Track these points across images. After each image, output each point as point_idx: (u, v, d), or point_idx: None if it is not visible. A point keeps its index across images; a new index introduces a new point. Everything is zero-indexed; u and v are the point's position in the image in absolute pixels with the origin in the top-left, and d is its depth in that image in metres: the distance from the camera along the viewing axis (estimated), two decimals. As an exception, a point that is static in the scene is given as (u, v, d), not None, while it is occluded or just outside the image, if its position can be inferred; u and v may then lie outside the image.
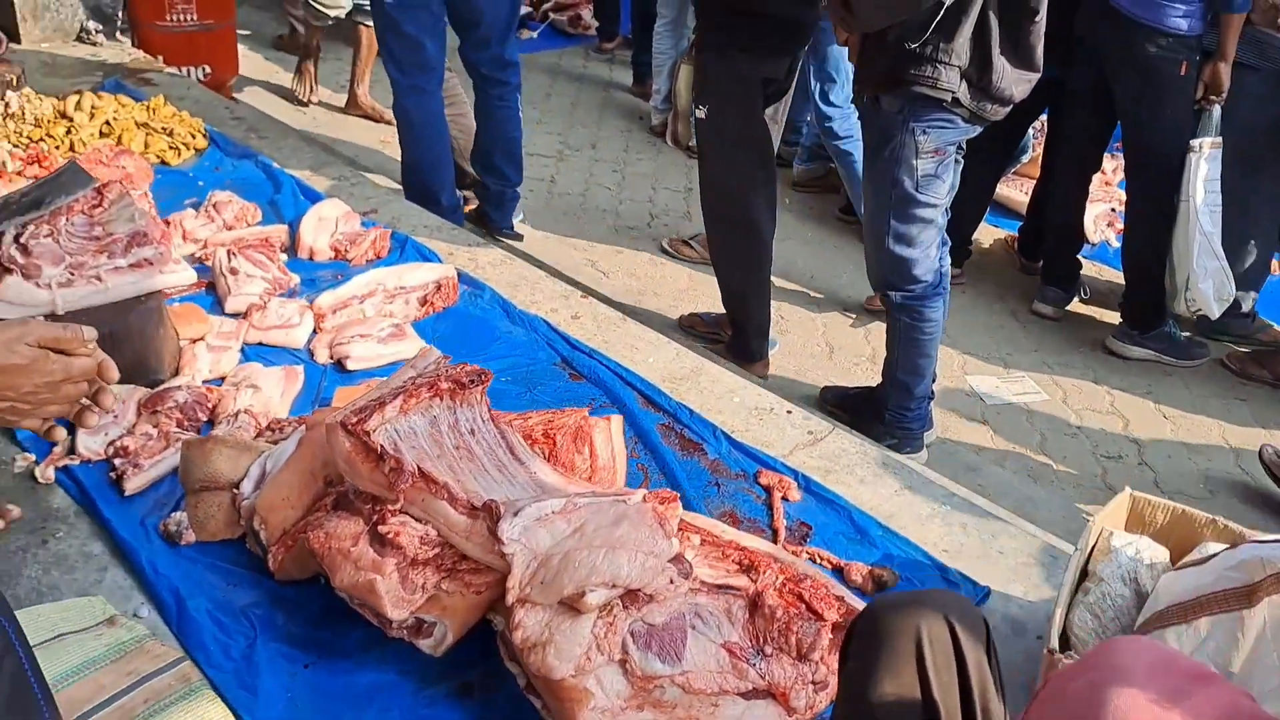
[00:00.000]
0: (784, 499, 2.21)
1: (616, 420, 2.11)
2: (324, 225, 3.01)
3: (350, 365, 2.45)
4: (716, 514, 2.14)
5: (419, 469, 1.69)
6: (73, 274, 2.22)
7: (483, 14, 3.50)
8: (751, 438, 2.40)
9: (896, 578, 2.03)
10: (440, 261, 2.97)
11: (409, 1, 3.41)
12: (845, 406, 3.34)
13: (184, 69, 4.63)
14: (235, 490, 1.93)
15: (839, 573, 2.03)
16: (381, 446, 1.69)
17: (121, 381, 2.21)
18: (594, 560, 1.60)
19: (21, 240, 2.18)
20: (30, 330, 1.26)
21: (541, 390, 2.48)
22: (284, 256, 2.91)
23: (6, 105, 3.54)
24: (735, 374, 2.68)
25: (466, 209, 3.97)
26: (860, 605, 1.77)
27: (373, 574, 1.65)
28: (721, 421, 2.43)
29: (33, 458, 2.09)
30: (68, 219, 2.24)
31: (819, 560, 2.05)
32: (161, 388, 2.25)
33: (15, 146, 3.38)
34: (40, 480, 2.04)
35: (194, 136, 3.58)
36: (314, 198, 3.26)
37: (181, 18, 4.62)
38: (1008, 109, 2.70)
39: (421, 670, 1.73)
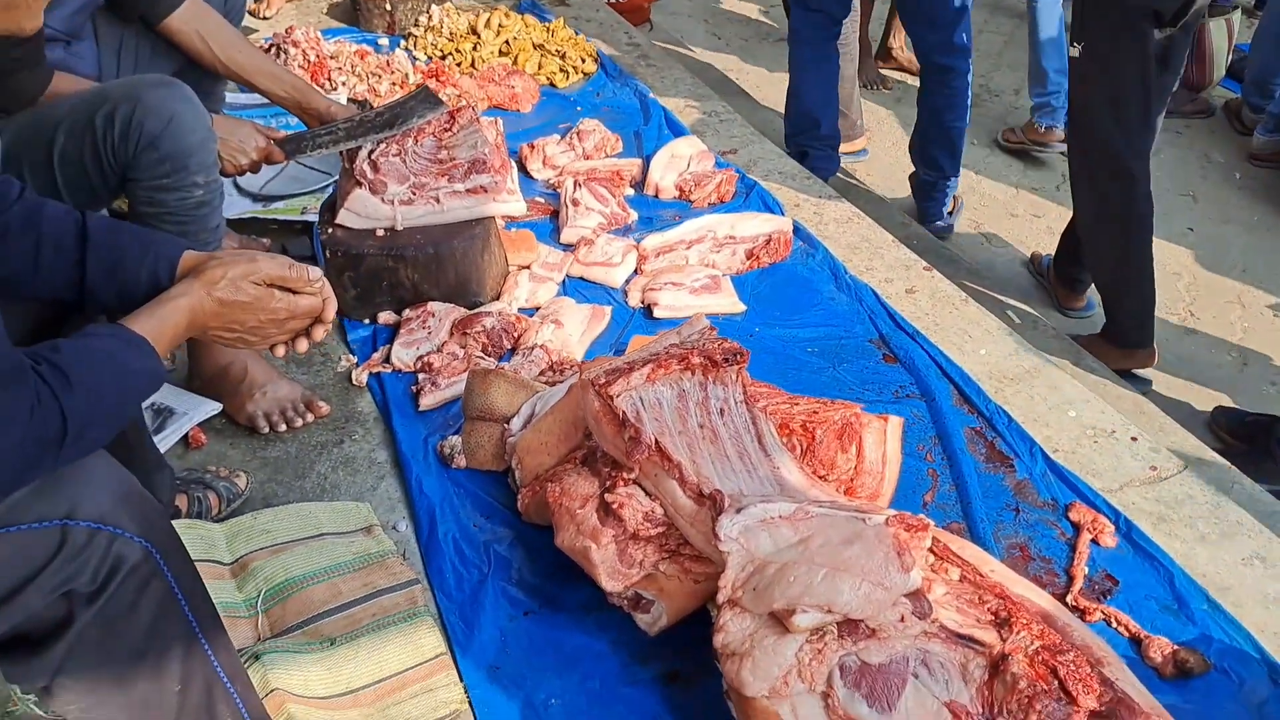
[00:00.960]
0: (1093, 542, 1.92)
1: (895, 422, 1.92)
2: (675, 163, 3.01)
3: (657, 313, 2.45)
4: (1005, 544, 1.91)
5: (656, 442, 1.64)
6: (414, 193, 2.38)
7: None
8: (1076, 462, 2.10)
9: (1208, 666, 1.70)
10: (782, 214, 2.87)
11: None
12: (1239, 434, 2.84)
13: (601, -11, 4.81)
14: (506, 425, 2.00)
15: (1135, 643, 1.74)
16: (624, 412, 1.66)
17: (444, 300, 2.39)
18: (811, 579, 1.48)
19: (373, 157, 2.37)
20: (259, 268, 1.35)
21: (847, 368, 2.33)
22: (630, 191, 2.96)
23: (429, 17, 3.88)
24: (1079, 384, 2.35)
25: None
26: (1137, 693, 1.49)
27: (589, 541, 1.64)
28: (1044, 437, 2.15)
29: (354, 360, 2.30)
30: (417, 141, 2.40)
31: (1114, 624, 1.77)
32: (476, 310, 2.37)
33: (429, 58, 3.70)
34: (354, 383, 2.24)
35: (584, 60, 3.72)
36: (679, 132, 3.28)
37: (607, -62, 4.78)
38: None
39: (633, 646, 1.71)
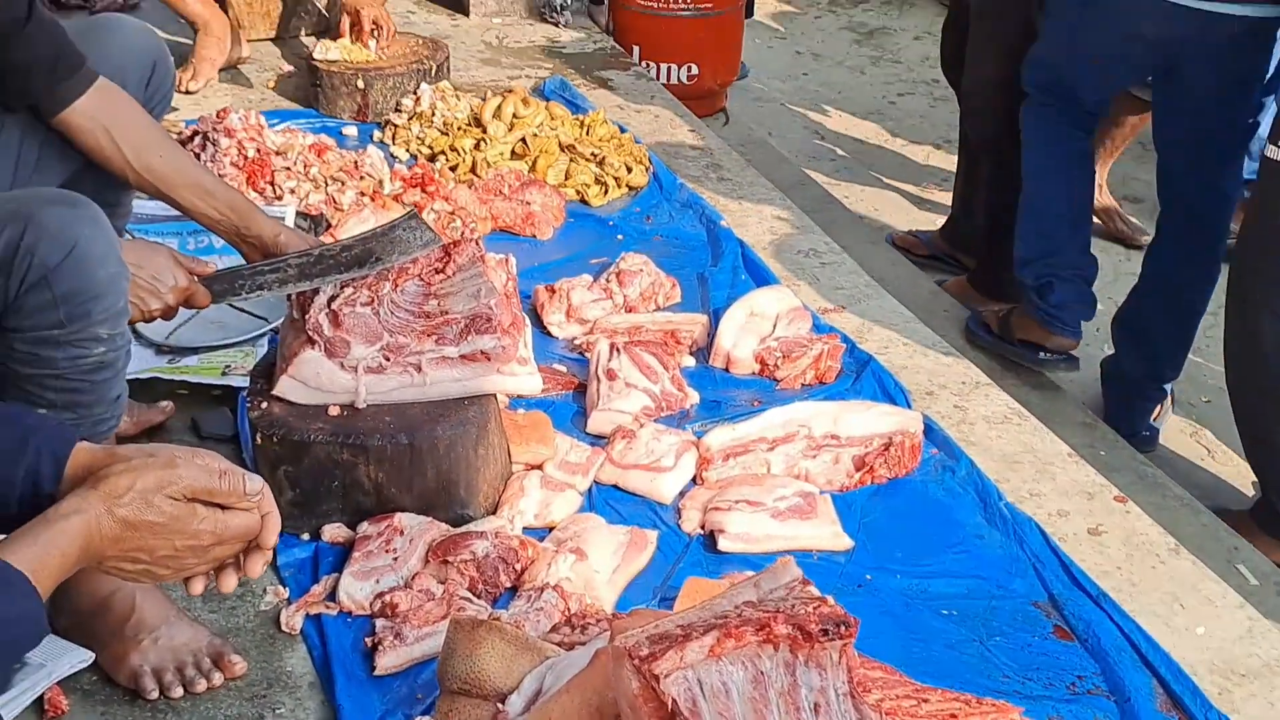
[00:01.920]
0: None
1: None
2: (754, 324, 3.10)
3: (724, 544, 2.49)
4: None
5: (721, 752, 1.66)
6: (387, 358, 2.46)
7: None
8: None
9: None
10: (908, 405, 2.93)
11: None
12: None
13: (662, 66, 5.03)
14: (500, 706, 2.02)
15: None
16: (674, 701, 1.69)
17: (418, 512, 2.45)
18: None
19: (334, 306, 2.46)
20: (179, 476, 1.42)
21: (1000, 644, 2.34)
22: (690, 361, 3.05)
23: (416, 100, 4.07)
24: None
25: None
26: None
27: None
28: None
29: (285, 594, 2.35)
30: (396, 285, 2.49)
31: None
32: (463, 529, 2.43)
33: (413, 158, 3.87)
34: (284, 628, 2.28)
35: (630, 169, 3.87)
36: (761, 278, 3.38)
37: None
38: None
39: None
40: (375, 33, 4.19)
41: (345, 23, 4.28)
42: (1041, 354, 3.66)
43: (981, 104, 4.11)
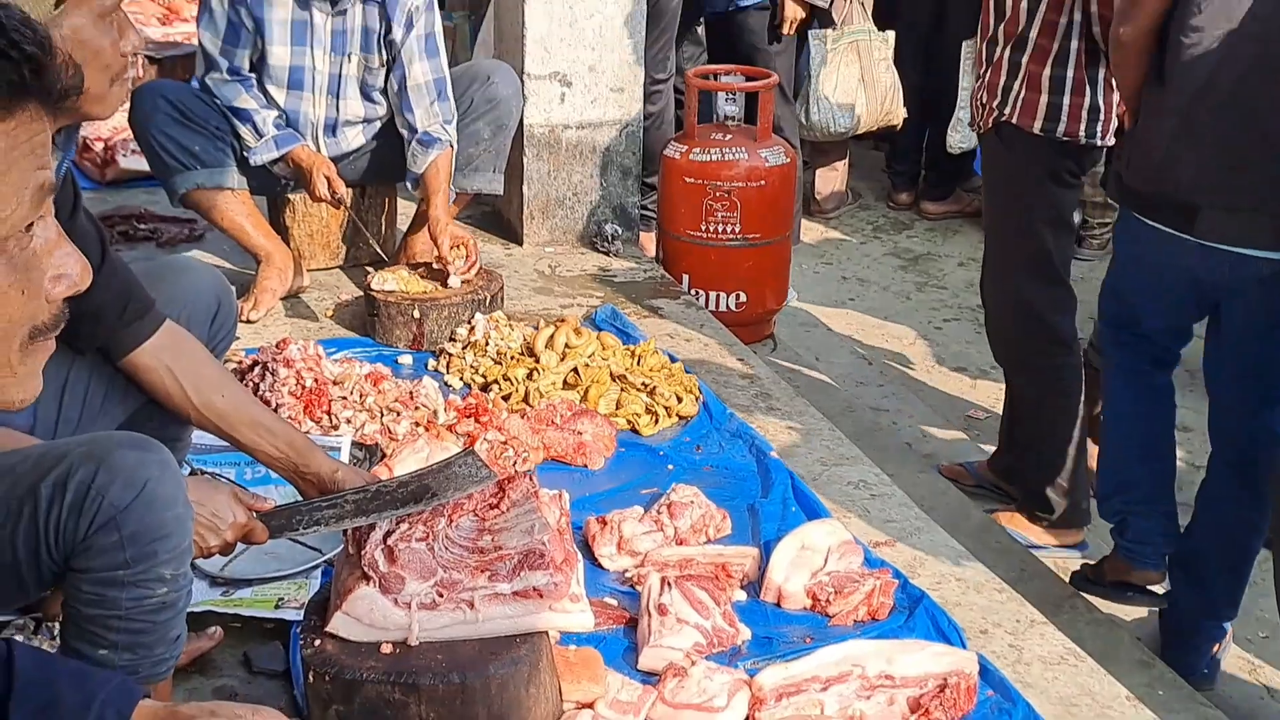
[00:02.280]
0: None
1: None
2: (805, 558, 3.09)
3: (778, 789, 2.45)
4: None
5: None
6: (441, 594, 2.47)
7: None
8: None
9: None
10: (963, 644, 2.90)
11: None
12: None
13: (711, 294, 5.11)
14: None
15: None
16: None
17: (467, 751, 2.43)
18: None
19: (390, 541, 2.48)
20: None
21: None
22: (742, 596, 3.03)
23: (471, 329, 4.15)
24: None
25: None
26: None
27: None
28: None
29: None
30: (451, 521, 2.51)
31: None
32: (513, 773, 2.40)
33: (466, 387, 3.92)
34: None
35: (680, 399, 3.91)
36: (812, 510, 3.38)
37: (721, 229, 5.13)
38: None
39: None
40: (457, 253, 4.32)
41: (411, 249, 4.41)
42: (1129, 593, 3.65)
43: (995, 326, 4.25)
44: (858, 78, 6.35)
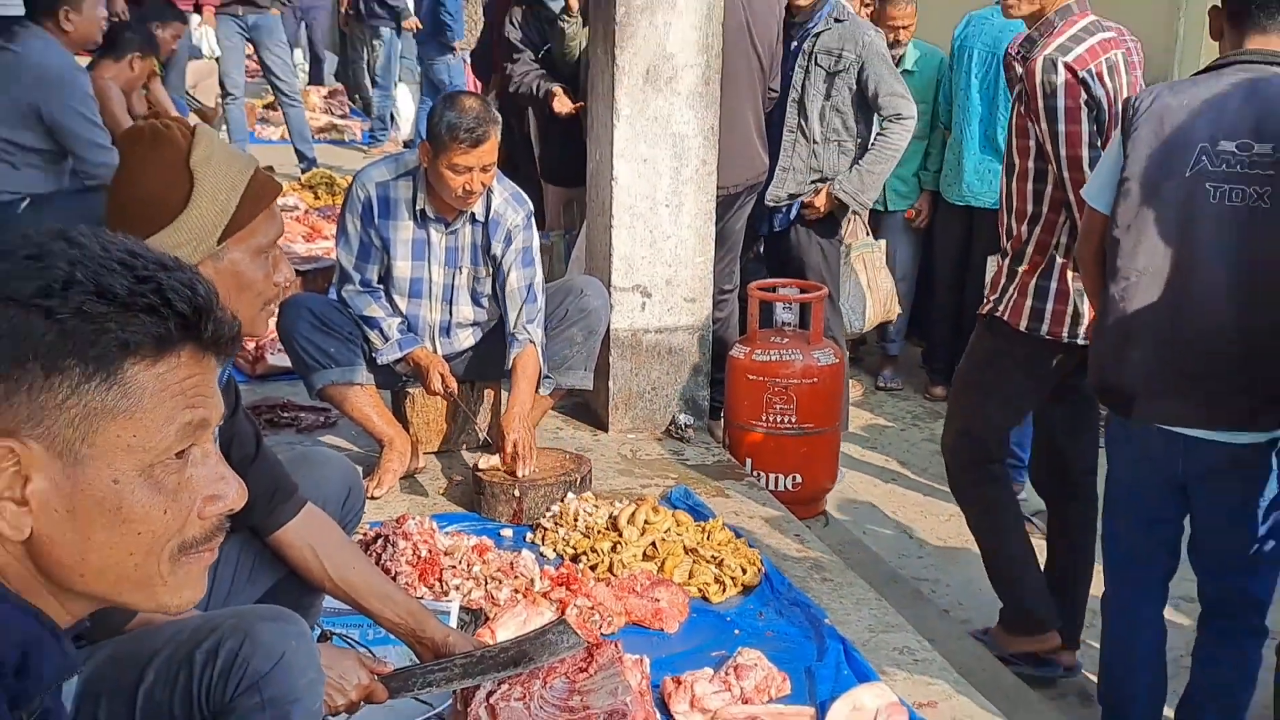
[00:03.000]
0: None
1: None
2: (856, 718, 3.05)
3: None
4: None
5: None
6: (538, 748, 2.47)
7: None
8: None
9: None
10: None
11: None
12: None
13: (771, 476, 5.12)
14: None
15: None
16: None
17: None
18: None
19: (492, 700, 2.49)
20: None
21: None
22: (799, 752, 2.99)
23: (564, 507, 4.18)
24: None
25: None
26: None
27: None
28: None
29: None
30: (545, 682, 2.52)
31: None
32: None
33: (559, 557, 3.94)
34: None
35: (745, 570, 3.90)
36: (862, 673, 3.34)
37: (779, 419, 5.16)
38: None
39: None
40: (515, 457, 4.30)
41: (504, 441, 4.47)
42: None
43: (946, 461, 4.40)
44: (865, 284, 6.44)
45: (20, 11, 5.87)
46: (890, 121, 5.63)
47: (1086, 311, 3.79)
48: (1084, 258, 3.53)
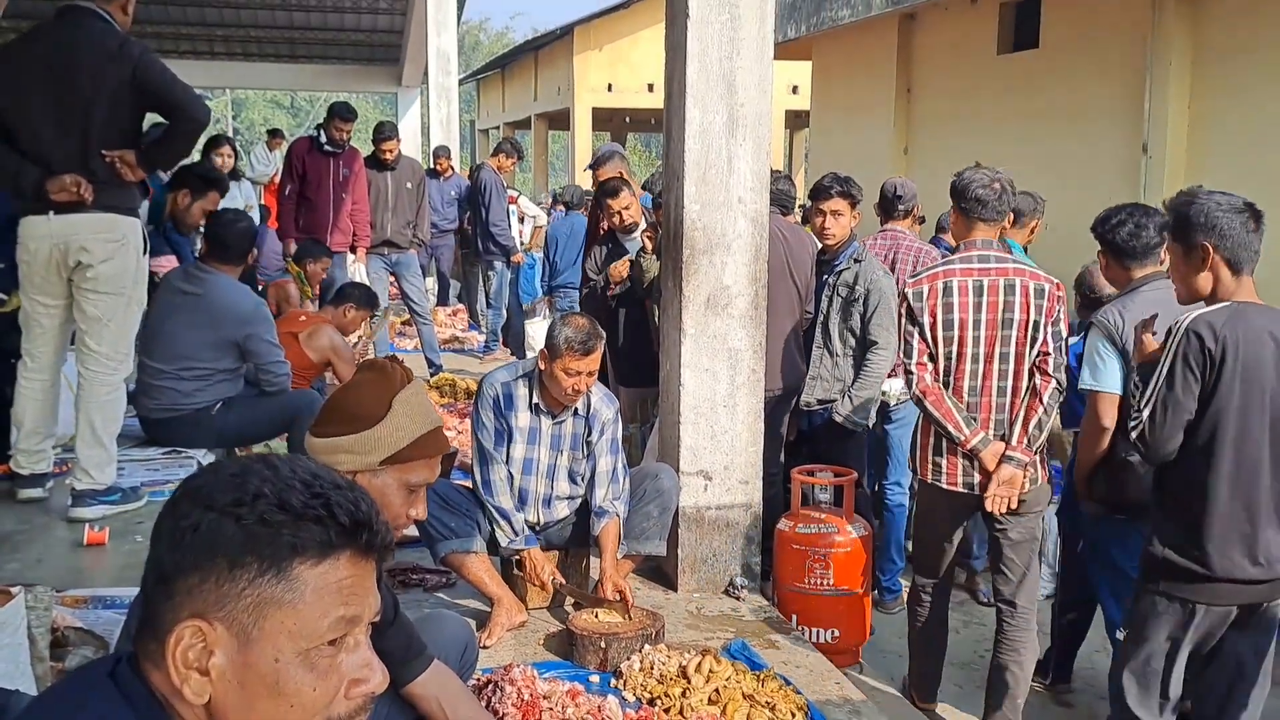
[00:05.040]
0: None
1: None
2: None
3: None
4: None
5: None
6: None
7: None
8: None
9: None
10: None
11: None
12: None
13: (813, 630, 5.01)
14: None
15: None
16: None
17: None
18: None
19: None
20: None
21: None
22: None
23: (642, 657, 4.11)
24: None
25: None
26: None
27: None
28: None
29: None
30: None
31: None
32: None
33: (638, 700, 3.86)
34: None
35: (794, 715, 3.79)
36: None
37: (819, 582, 5.08)
38: None
39: None
40: (621, 598, 4.37)
41: (604, 589, 4.45)
42: None
43: None
44: None
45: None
46: (871, 350, 5.67)
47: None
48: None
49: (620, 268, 6.52)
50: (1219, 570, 3.14)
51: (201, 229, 6.60)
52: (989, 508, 4.22)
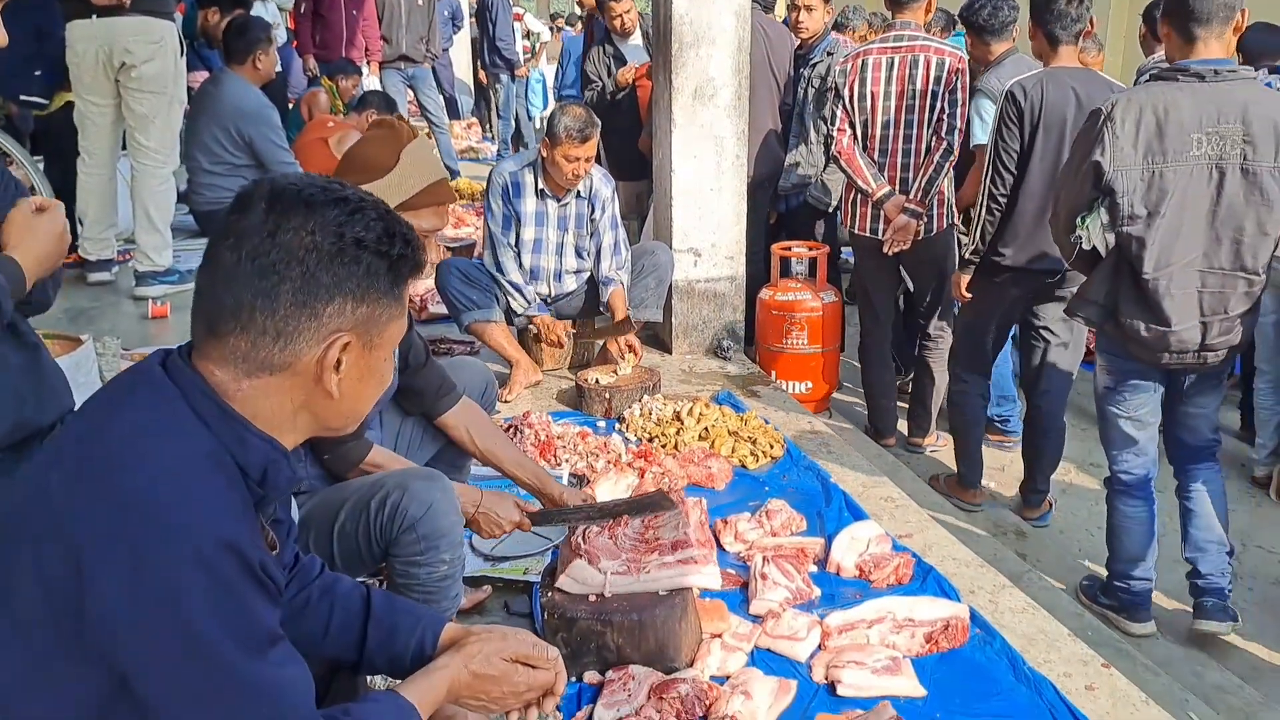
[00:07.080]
0: None
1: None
2: (854, 544, 3.03)
3: (841, 691, 2.37)
4: None
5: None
6: (627, 566, 2.48)
7: None
8: None
9: None
10: (958, 599, 2.80)
11: None
12: None
13: (789, 383, 5.08)
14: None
15: None
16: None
17: (643, 664, 2.41)
18: None
19: (586, 534, 2.50)
20: (508, 646, 1.44)
21: (1028, 765, 2.17)
22: (813, 568, 2.98)
23: (641, 405, 4.17)
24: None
25: None
26: None
27: None
28: None
29: (560, 716, 2.31)
30: (624, 527, 2.52)
31: None
32: (673, 676, 2.37)
33: (639, 440, 3.94)
34: (558, 740, 2.24)
35: (772, 446, 3.87)
36: (857, 514, 3.32)
37: (795, 342, 5.11)
38: None
39: None
40: (626, 353, 4.41)
41: (613, 349, 4.50)
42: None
43: None
44: None
45: None
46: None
47: None
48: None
49: (627, 74, 6.28)
50: (1015, 260, 3.81)
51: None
52: (885, 250, 4.49)
